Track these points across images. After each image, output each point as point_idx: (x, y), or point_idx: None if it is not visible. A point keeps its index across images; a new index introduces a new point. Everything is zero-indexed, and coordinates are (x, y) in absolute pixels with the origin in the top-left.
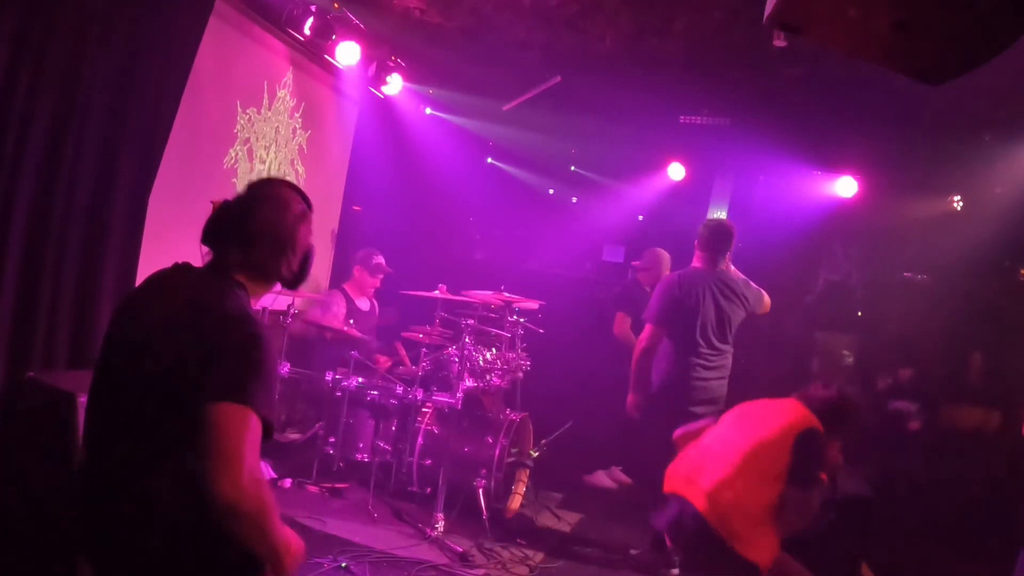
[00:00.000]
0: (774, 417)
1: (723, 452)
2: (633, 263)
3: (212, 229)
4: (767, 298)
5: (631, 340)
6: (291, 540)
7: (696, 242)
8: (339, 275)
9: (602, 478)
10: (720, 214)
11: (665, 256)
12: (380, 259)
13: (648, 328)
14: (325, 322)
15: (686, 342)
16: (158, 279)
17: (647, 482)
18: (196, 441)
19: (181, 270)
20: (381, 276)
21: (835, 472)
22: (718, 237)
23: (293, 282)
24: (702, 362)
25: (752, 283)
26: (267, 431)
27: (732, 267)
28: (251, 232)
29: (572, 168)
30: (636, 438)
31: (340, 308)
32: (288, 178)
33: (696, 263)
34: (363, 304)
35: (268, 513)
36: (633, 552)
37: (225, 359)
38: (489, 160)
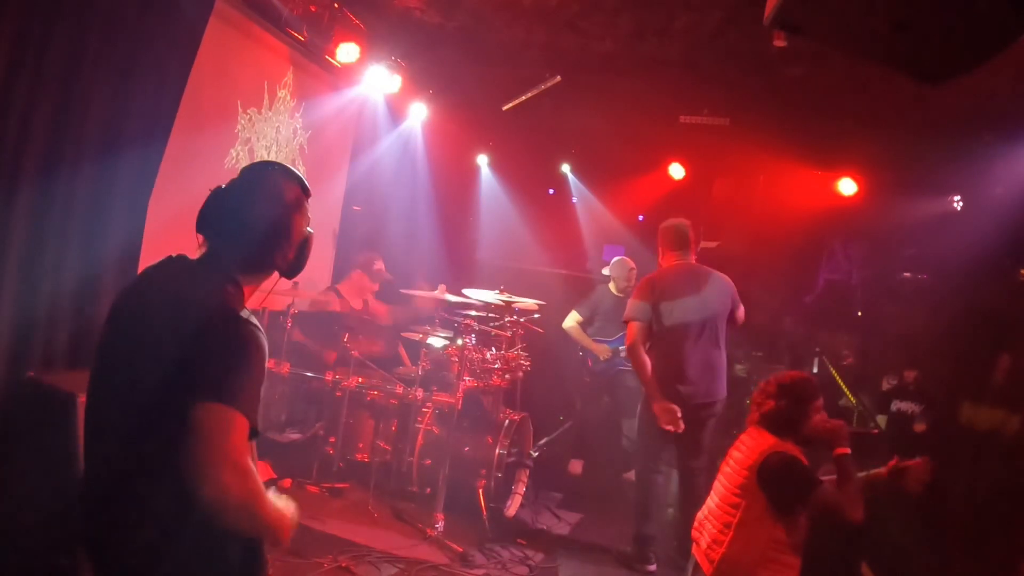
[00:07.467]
0: (742, 460)
1: (714, 508)
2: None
3: (205, 217)
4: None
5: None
6: (283, 514)
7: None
8: (340, 276)
9: (576, 466)
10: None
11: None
12: (380, 265)
13: (629, 327)
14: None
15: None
16: (149, 274)
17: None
18: (184, 440)
19: (172, 263)
20: (380, 282)
21: (840, 435)
22: (680, 234)
23: (290, 271)
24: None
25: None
26: (252, 431)
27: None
28: (244, 224)
29: (571, 168)
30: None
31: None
32: None
33: (666, 262)
34: (357, 304)
35: (257, 502)
36: (622, 549)
37: (211, 359)
38: (490, 161)
